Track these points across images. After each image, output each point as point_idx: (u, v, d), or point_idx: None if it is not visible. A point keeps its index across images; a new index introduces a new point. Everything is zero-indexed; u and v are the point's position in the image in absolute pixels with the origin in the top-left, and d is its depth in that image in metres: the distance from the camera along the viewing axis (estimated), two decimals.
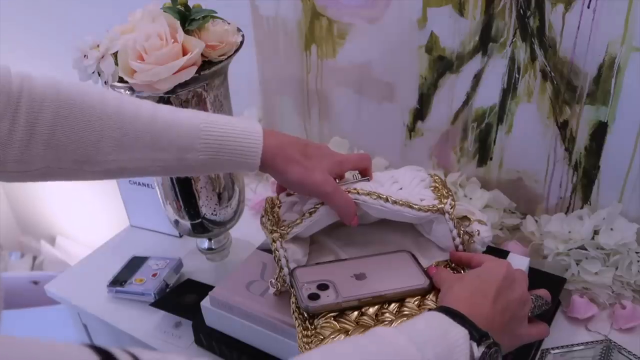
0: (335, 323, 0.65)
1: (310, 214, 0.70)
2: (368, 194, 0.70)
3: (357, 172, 0.77)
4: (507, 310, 0.59)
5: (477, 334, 0.53)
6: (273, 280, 0.72)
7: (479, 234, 0.73)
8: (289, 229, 0.70)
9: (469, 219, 0.76)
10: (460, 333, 0.53)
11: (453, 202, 0.73)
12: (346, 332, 0.64)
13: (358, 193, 0.71)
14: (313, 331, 0.65)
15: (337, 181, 0.73)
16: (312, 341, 0.65)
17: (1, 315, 0.55)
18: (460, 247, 0.73)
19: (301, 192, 0.73)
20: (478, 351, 0.52)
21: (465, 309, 0.56)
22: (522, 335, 0.61)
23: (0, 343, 0.31)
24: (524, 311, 0.61)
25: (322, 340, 0.64)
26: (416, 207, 0.71)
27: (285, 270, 0.70)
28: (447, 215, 0.71)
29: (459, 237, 0.72)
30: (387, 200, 0.70)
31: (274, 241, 0.70)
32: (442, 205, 0.71)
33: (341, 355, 0.50)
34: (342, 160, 0.73)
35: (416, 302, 0.66)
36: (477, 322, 0.54)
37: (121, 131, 0.62)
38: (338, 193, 0.69)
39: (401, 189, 0.75)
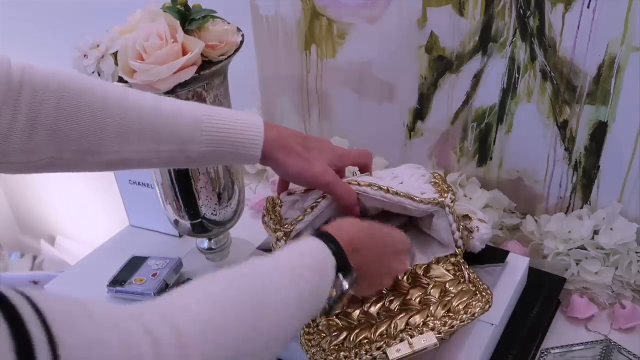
0: (338, 321, 0.65)
1: (312, 209, 0.70)
2: (369, 185, 0.70)
3: (357, 169, 0.76)
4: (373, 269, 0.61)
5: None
6: None
7: (478, 231, 0.73)
8: (292, 227, 0.70)
9: (470, 219, 0.76)
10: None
11: (453, 197, 0.73)
12: (348, 330, 0.64)
13: (359, 185, 0.70)
14: (315, 329, 0.66)
15: None
16: (314, 339, 0.65)
17: None
18: (460, 242, 0.73)
19: (301, 184, 0.73)
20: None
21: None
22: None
23: None
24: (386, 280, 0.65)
25: (324, 338, 0.64)
26: (417, 199, 0.71)
27: None
28: (447, 209, 0.71)
29: (459, 231, 0.72)
30: (388, 191, 0.70)
31: (278, 240, 0.70)
32: (443, 199, 0.71)
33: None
34: (343, 154, 0.73)
35: (418, 299, 0.68)
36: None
37: (124, 122, 0.62)
38: (338, 182, 0.69)
39: (402, 183, 0.75)
